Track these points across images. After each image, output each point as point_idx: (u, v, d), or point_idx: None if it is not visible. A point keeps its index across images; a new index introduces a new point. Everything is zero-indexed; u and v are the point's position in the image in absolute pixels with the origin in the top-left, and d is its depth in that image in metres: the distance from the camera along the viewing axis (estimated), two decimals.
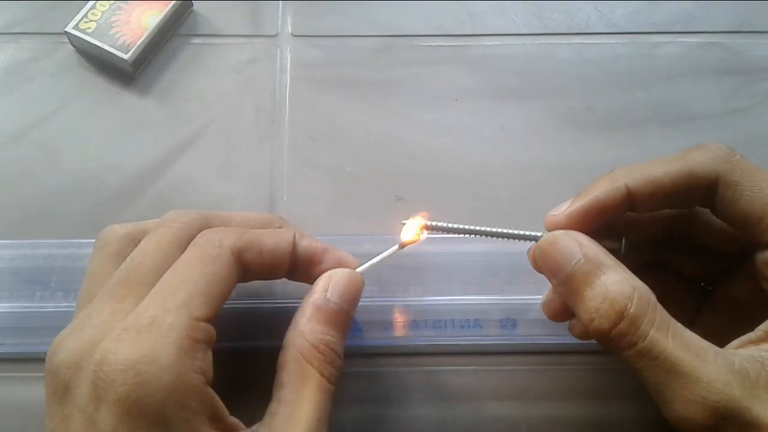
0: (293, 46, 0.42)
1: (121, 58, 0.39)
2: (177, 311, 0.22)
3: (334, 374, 0.25)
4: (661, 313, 0.22)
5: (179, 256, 0.24)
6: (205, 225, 0.26)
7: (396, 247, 0.28)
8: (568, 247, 0.24)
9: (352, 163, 0.37)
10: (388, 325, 0.32)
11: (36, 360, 0.31)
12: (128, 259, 0.25)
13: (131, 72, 0.40)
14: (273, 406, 0.24)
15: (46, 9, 0.42)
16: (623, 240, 0.26)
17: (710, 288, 0.29)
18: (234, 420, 0.23)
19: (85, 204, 0.36)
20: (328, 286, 0.26)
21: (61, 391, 0.22)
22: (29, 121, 0.38)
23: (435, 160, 0.38)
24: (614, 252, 0.24)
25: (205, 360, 0.22)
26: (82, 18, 0.40)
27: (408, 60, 0.41)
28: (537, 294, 0.31)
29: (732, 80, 0.41)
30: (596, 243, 0.24)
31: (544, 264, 0.25)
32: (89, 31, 0.39)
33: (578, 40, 0.42)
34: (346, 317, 0.26)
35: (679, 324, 0.23)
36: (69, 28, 0.39)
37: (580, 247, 0.24)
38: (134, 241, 0.26)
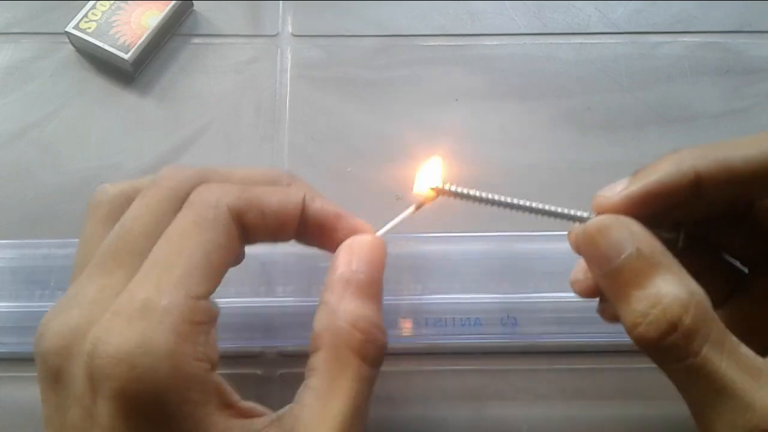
0: (293, 46, 0.42)
1: (121, 58, 0.39)
2: (173, 291, 0.20)
3: (376, 355, 0.22)
4: (718, 326, 0.20)
5: (173, 218, 0.22)
6: (201, 182, 0.23)
7: (412, 208, 0.26)
8: (619, 236, 0.21)
9: (352, 163, 0.37)
10: (388, 324, 0.32)
11: None
12: (117, 225, 0.22)
13: (131, 72, 0.40)
14: (305, 395, 0.21)
15: (46, 9, 0.42)
16: (681, 231, 0.23)
17: (749, 272, 0.26)
18: (248, 404, 0.21)
19: (85, 204, 0.35)
20: (351, 258, 0.23)
21: (53, 377, 0.21)
22: (29, 121, 0.38)
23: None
24: (669, 244, 0.21)
25: (207, 344, 0.20)
26: (82, 18, 0.40)
27: (408, 60, 0.41)
28: (538, 292, 0.32)
29: (732, 80, 0.41)
30: (652, 235, 0.21)
31: (588, 251, 0.22)
32: (89, 31, 0.39)
33: (578, 40, 0.42)
34: (377, 286, 0.23)
35: (734, 338, 0.20)
36: (69, 28, 0.39)
37: (633, 238, 0.21)
38: (128, 200, 0.24)
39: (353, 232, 0.25)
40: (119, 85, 0.40)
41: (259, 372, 0.31)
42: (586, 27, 0.43)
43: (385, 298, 0.32)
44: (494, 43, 0.42)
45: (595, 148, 0.38)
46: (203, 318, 0.21)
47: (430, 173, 0.25)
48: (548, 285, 0.32)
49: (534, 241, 0.33)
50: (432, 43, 0.42)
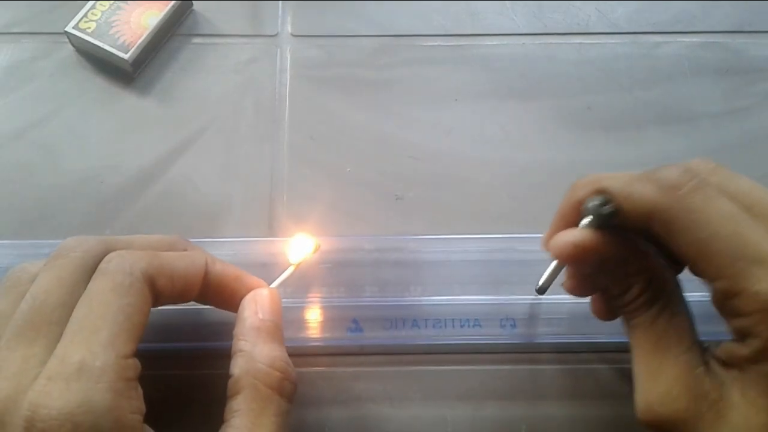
0: (293, 46, 0.42)
1: (121, 58, 0.39)
2: (104, 353, 0.21)
3: (292, 390, 0.25)
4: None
5: (84, 287, 0.23)
6: (107, 251, 0.25)
7: (292, 268, 0.29)
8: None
9: (352, 163, 0.37)
10: (387, 324, 0.32)
11: None
12: (28, 296, 0.23)
13: (131, 72, 0.40)
14: None
15: (46, 9, 0.42)
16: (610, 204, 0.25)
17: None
18: None
19: (85, 204, 0.36)
20: (256, 309, 0.26)
21: None
22: (29, 121, 0.38)
23: (435, 160, 0.38)
24: (604, 214, 0.24)
25: (137, 397, 0.22)
26: (82, 18, 0.40)
27: (408, 60, 0.41)
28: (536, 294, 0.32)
29: (732, 80, 0.41)
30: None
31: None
32: (89, 30, 0.39)
33: (578, 40, 0.42)
34: (281, 331, 0.26)
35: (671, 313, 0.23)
36: (69, 28, 0.39)
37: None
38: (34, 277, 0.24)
39: (251, 289, 0.27)
40: (119, 85, 0.40)
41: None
42: (586, 27, 0.43)
43: (385, 298, 0.32)
44: (494, 43, 0.42)
45: (595, 148, 0.38)
46: (133, 374, 0.22)
47: (303, 239, 0.29)
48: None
49: (533, 242, 0.32)
50: (432, 43, 0.42)
